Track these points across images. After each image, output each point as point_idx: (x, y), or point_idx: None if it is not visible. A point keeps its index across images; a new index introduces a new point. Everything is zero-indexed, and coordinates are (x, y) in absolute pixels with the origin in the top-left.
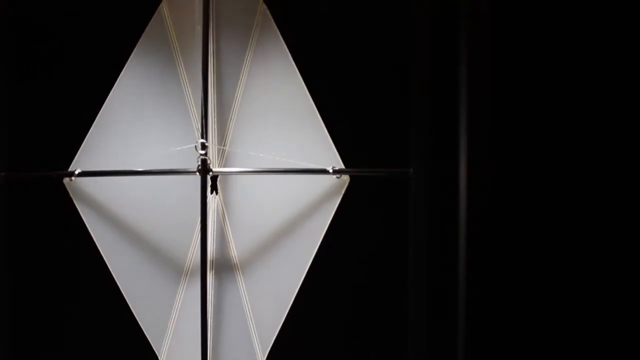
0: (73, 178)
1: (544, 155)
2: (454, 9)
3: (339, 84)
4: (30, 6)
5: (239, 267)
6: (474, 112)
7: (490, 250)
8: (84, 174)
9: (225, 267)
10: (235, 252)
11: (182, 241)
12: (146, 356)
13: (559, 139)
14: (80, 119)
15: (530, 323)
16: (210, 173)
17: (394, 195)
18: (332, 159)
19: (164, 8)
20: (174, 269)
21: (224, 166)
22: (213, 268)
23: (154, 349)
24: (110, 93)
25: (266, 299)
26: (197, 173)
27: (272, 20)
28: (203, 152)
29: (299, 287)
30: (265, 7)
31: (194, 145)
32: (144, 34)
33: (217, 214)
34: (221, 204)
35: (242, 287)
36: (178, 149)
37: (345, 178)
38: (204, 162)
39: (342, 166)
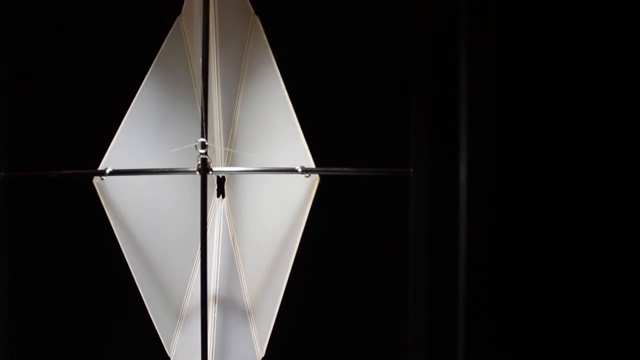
0: (104, 177)
1: (544, 155)
2: (454, 8)
3: (339, 84)
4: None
5: (241, 267)
6: (474, 112)
7: (491, 251)
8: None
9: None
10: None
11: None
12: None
13: (559, 138)
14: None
15: (531, 323)
16: (210, 172)
17: (394, 195)
18: (304, 159)
19: (182, 20)
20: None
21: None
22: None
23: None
24: (133, 103)
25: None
26: (197, 172)
27: (262, 30)
28: (203, 151)
29: (284, 286)
30: (257, 17)
31: (193, 144)
32: (163, 44)
33: (224, 217)
34: (227, 207)
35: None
36: (178, 149)
37: (315, 177)
38: (204, 162)
39: (313, 165)
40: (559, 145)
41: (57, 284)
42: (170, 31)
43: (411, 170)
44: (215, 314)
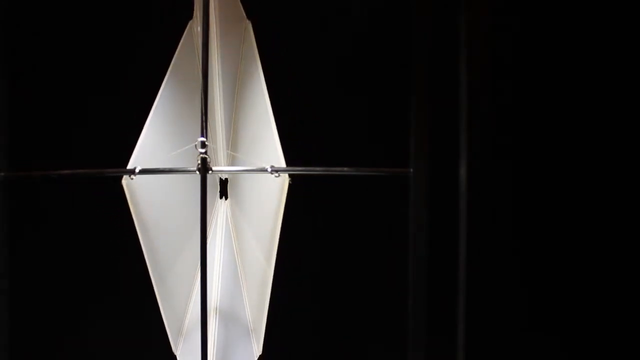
0: (133, 177)
1: (544, 155)
2: (454, 7)
3: (339, 84)
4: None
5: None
6: (474, 112)
7: (491, 251)
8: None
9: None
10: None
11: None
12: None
13: (559, 138)
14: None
15: (531, 324)
16: (210, 172)
17: (394, 195)
18: (275, 159)
19: (193, 24)
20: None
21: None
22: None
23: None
24: (155, 104)
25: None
26: (197, 172)
27: (253, 35)
28: (203, 150)
29: (269, 286)
30: (249, 22)
31: (193, 144)
32: (178, 48)
33: (227, 219)
34: (229, 209)
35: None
36: (179, 151)
37: (284, 177)
38: (204, 161)
39: (283, 165)
40: (559, 144)
41: (56, 284)
42: (184, 35)
43: (411, 170)
44: (217, 324)
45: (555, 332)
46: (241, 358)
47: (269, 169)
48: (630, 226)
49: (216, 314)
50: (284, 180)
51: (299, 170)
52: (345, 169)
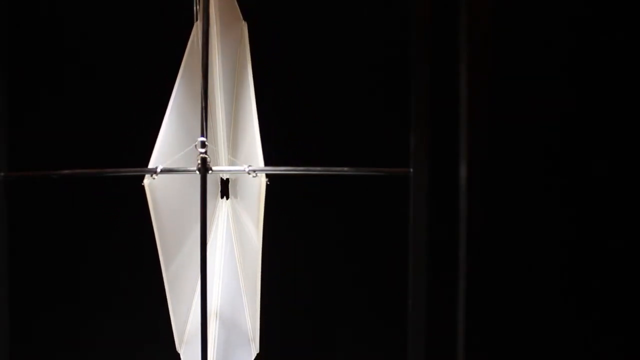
0: (155, 176)
1: (544, 155)
2: (454, 7)
3: (339, 84)
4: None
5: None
6: (473, 112)
7: (491, 251)
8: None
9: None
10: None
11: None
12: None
13: (559, 138)
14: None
15: (531, 323)
16: (210, 172)
17: (394, 195)
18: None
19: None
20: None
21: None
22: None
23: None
24: (170, 105)
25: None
26: (197, 172)
27: (247, 36)
28: (203, 150)
29: (259, 285)
30: (245, 23)
31: (194, 145)
32: (187, 50)
33: (227, 219)
34: (231, 209)
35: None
36: (181, 153)
37: (261, 177)
38: (204, 161)
39: (262, 165)
40: (559, 144)
41: (55, 285)
42: (191, 36)
43: (411, 170)
44: (217, 324)
45: (555, 332)
46: (240, 357)
47: (246, 169)
48: (629, 224)
49: (216, 314)
50: (262, 180)
51: (299, 170)
52: (345, 169)
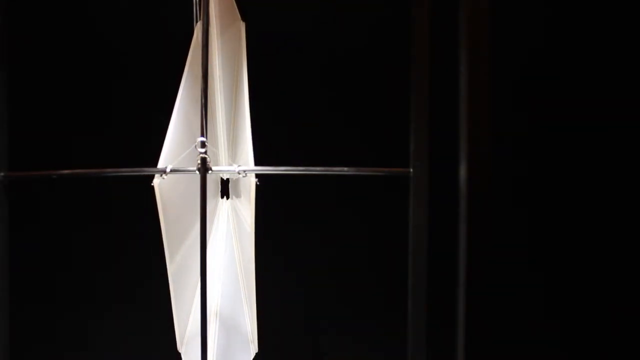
0: (164, 175)
1: (544, 155)
2: (453, 7)
3: (339, 84)
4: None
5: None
6: (473, 112)
7: (491, 251)
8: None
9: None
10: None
11: None
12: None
13: (559, 138)
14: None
15: (531, 323)
16: (210, 172)
17: (394, 195)
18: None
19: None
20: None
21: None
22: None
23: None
24: (177, 103)
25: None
26: (197, 172)
27: (244, 36)
28: (203, 150)
29: (254, 284)
30: (244, 23)
31: (194, 145)
32: (190, 50)
33: (227, 218)
34: (231, 209)
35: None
36: (184, 154)
37: (251, 177)
38: (204, 161)
39: (252, 165)
40: (559, 144)
41: (55, 285)
42: (194, 36)
43: (411, 170)
44: (217, 324)
45: (555, 332)
46: (240, 357)
47: (236, 169)
48: (630, 227)
49: (217, 314)
50: (252, 180)
51: (298, 170)
52: (345, 169)
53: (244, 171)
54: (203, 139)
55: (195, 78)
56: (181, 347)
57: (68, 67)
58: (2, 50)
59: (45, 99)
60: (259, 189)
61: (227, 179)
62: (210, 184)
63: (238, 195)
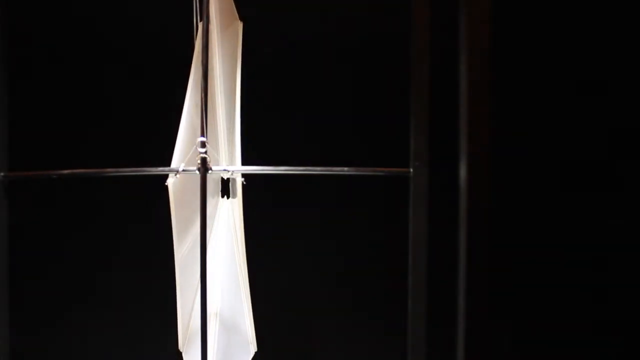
0: (177, 175)
1: (544, 155)
2: (453, 7)
3: (339, 84)
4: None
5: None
6: (473, 112)
7: (491, 251)
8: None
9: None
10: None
11: None
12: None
13: (559, 138)
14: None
15: (531, 323)
16: (210, 171)
17: (394, 195)
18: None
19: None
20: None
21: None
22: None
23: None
24: (185, 109)
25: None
26: (197, 172)
27: (241, 36)
28: (203, 150)
29: (247, 282)
30: (241, 22)
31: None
32: (195, 51)
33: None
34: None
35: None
36: (189, 154)
37: (237, 176)
38: (204, 161)
39: (239, 164)
40: (559, 144)
41: (55, 285)
42: (198, 37)
43: (411, 170)
44: (217, 324)
45: (555, 332)
46: (239, 356)
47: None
48: (631, 231)
49: (217, 314)
50: (238, 180)
51: (299, 170)
52: (345, 169)
53: (233, 171)
54: (203, 139)
55: (199, 79)
56: (182, 347)
57: (68, 67)
58: (2, 50)
59: (45, 99)
60: (256, 189)
61: (228, 179)
62: (211, 183)
63: (232, 195)
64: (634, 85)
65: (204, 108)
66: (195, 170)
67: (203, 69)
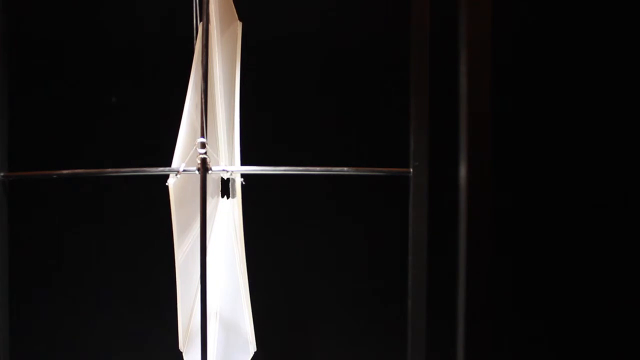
0: (178, 175)
1: (544, 155)
2: (453, 7)
3: (339, 84)
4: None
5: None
6: (473, 112)
7: (491, 251)
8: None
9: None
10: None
11: None
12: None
13: (559, 138)
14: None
15: (530, 323)
16: (210, 172)
17: (394, 195)
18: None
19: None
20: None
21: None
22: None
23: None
24: (185, 109)
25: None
26: (197, 172)
27: (240, 36)
28: (203, 151)
29: (246, 281)
30: (240, 23)
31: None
32: (195, 50)
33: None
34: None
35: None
36: (190, 154)
37: (237, 176)
38: (204, 161)
39: (238, 164)
40: (559, 144)
41: (56, 284)
42: (198, 37)
43: (411, 170)
44: (217, 324)
45: (555, 332)
46: (239, 356)
47: (220, 169)
48: (631, 225)
49: (217, 313)
50: (237, 180)
51: (299, 170)
52: (345, 169)
53: (233, 172)
54: (203, 139)
55: (199, 79)
56: (183, 347)
57: (68, 67)
58: (2, 50)
59: (45, 99)
60: (255, 189)
61: (228, 179)
62: (210, 184)
63: (232, 195)
64: (635, 85)
65: (203, 109)
66: (195, 171)
67: (203, 70)
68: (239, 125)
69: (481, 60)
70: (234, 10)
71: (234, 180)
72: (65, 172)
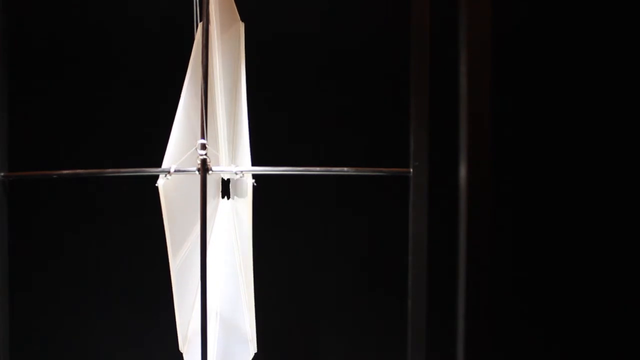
0: (168, 176)
1: (544, 155)
2: (453, 6)
3: (339, 84)
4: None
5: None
6: (473, 112)
7: (491, 251)
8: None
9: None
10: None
11: None
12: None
13: (559, 138)
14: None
15: (530, 323)
16: (210, 172)
17: (394, 195)
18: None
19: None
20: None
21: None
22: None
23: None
24: (179, 109)
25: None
26: (197, 172)
27: (243, 37)
28: (203, 152)
29: (252, 283)
30: (242, 23)
31: (194, 148)
32: (193, 50)
33: (230, 219)
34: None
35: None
36: (186, 156)
37: (248, 177)
38: (204, 162)
39: (249, 165)
40: (559, 144)
41: (56, 284)
42: (197, 37)
43: (411, 170)
44: (217, 324)
45: (554, 332)
46: (239, 357)
47: (234, 170)
48: (631, 225)
49: (217, 314)
50: (248, 181)
51: (299, 170)
52: (345, 169)
53: (242, 172)
54: (203, 141)
55: (197, 79)
56: (183, 347)
57: (68, 67)
58: (2, 50)
59: (45, 99)
60: (256, 190)
61: (228, 179)
62: (211, 184)
63: (238, 196)
64: (635, 84)
65: (203, 109)
66: (194, 171)
67: (203, 70)
68: (247, 127)
69: (481, 60)
70: (236, 10)
71: (240, 180)
72: (65, 172)
